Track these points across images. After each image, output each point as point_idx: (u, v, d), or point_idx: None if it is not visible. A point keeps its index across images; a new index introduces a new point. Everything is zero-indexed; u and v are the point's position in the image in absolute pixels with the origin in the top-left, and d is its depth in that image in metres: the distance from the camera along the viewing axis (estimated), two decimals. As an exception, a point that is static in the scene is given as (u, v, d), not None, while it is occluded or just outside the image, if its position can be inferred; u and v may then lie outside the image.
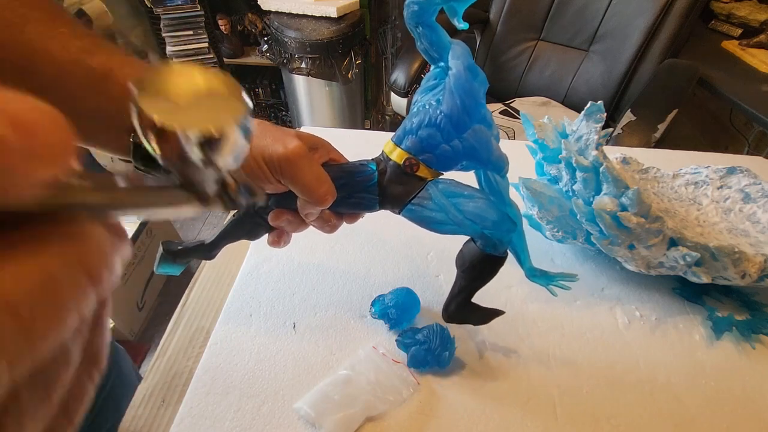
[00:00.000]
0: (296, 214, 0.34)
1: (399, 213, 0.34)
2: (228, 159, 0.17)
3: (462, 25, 0.31)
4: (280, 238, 0.37)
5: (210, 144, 0.16)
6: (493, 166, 0.33)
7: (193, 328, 0.46)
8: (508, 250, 0.34)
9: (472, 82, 0.30)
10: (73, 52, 0.27)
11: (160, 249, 0.36)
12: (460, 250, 0.36)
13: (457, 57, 0.31)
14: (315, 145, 0.34)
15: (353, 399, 0.37)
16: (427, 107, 0.32)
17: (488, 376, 0.40)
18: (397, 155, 0.32)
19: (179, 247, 0.37)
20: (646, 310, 0.46)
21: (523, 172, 0.50)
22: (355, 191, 0.33)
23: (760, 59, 1.18)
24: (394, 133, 0.33)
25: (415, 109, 0.33)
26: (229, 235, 0.37)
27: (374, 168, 0.33)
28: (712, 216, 0.51)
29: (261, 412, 0.38)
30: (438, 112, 0.31)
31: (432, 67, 0.34)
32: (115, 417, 0.38)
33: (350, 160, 0.36)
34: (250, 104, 0.18)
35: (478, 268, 0.34)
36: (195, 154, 0.16)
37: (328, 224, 0.36)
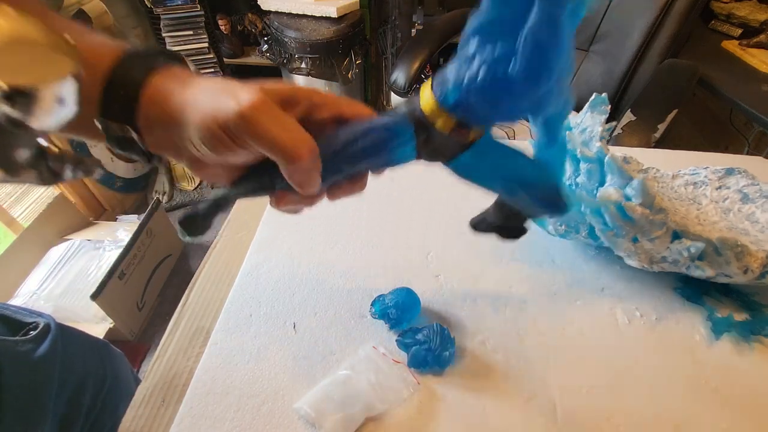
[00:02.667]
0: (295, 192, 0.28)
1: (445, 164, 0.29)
2: (45, 121, 0.15)
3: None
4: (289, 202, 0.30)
5: (19, 100, 0.13)
6: (558, 116, 0.27)
7: (193, 328, 0.46)
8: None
9: (563, 19, 0.21)
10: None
11: (179, 226, 0.31)
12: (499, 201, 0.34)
13: None
14: (291, 98, 0.27)
15: (353, 399, 0.37)
16: (494, 52, 0.23)
17: (488, 376, 0.40)
18: (444, 122, 0.26)
19: (198, 216, 0.31)
20: (647, 309, 0.46)
21: (523, 172, 0.51)
22: (381, 155, 0.28)
23: (760, 59, 1.18)
24: (432, 88, 0.26)
25: (472, 49, 0.24)
26: (239, 189, 0.30)
27: (410, 135, 0.27)
28: (712, 215, 0.51)
29: (261, 412, 0.38)
30: (512, 65, 0.23)
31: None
32: (112, 421, 0.38)
33: (364, 110, 0.29)
34: (77, 59, 0.15)
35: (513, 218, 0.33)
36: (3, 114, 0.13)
37: (342, 189, 0.30)
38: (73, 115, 0.16)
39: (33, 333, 0.43)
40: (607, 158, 0.41)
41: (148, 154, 0.28)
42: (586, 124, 0.46)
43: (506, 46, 0.23)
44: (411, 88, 1.15)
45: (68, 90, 0.14)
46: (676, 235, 0.42)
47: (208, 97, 0.25)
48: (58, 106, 0.15)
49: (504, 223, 0.35)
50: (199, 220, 0.31)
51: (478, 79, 0.23)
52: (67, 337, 0.47)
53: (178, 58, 0.28)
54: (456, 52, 0.25)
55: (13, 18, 0.13)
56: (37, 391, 0.41)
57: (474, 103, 0.24)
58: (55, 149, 0.19)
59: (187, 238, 0.32)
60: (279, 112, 0.25)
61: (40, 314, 0.46)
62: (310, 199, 0.30)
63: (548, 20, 0.21)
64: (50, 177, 0.19)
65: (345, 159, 0.28)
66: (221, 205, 0.31)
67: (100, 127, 0.26)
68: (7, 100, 0.13)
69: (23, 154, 0.16)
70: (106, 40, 0.27)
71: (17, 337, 0.42)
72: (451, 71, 0.25)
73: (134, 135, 0.26)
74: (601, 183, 0.43)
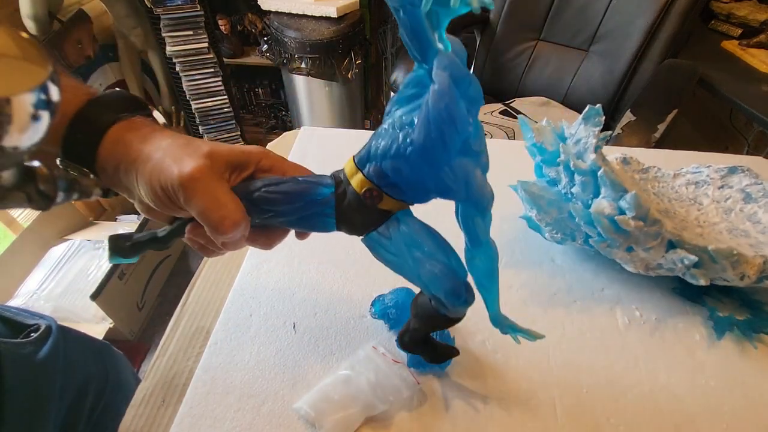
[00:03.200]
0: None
1: (361, 237, 0.30)
2: (19, 139, 0.13)
3: (442, 46, 0.23)
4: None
5: None
6: (472, 203, 0.27)
7: (193, 328, 0.46)
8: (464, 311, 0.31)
9: (457, 105, 0.23)
10: None
11: (106, 242, 0.33)
12: (416, 297, 0.34)
13: (443, 67, 0.23)
14: (240, 162, 0.29)
15: (353, 399, 0.37)
16: (397, 130, 0.25)
17: (488, 376, 0.40)
18: (358, 182, 0.27)
19: (129, 243, 0.33)
20: (646, 310, 0.46)
21: (523, 174, 0.50)
22: (307, 212, 0.29)
23: (760, 59, 1.18)
24: (358, 151, 0.28)
25: (385, 126, 0.27)
26: (179, 231, 0.33)
27: (330, 191, 0.28)
28: (713, 216, 0.51)
29: (261, 412, 0.38)
30: (408, 141, 0.25)
31: (415, 66, 0.26)
32: (114, 424, 0.38)
33: (307, 173, 0.32)
34: (50, 68, 0.14)
35: (431, 320, 0.32)
36: None
37: (256, 243, 0.33)
38: (45, 126, 0.15)
39: (34, 335, 0.43)
40: (600, 171, 0.41)
41: (105, 190, 0.29)
42: (580, 136, 0.46)
43: (410, 117, 0.25)
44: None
45: (42, 99, 0.13)
46: (672, 245, 0.42)
47: (158, 157, 0.27)
48: (32, 121, 0.13)
49: (423, 353, 0.37)
50: (128, 246, 0.33)
51: (383, 143, 0.26)
52: (69, 339, 0.47)
53: (142, 106, 0.30)
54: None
55: None
56: (38, 394, 0.41)
57: (381, 168, 0.26)
58: (45, 170, 0.18)
59: (110, 260, 0.33)
60: (215, 185, 0.27)
61: (41, 316, 0.46)
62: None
63: (439, 97, 0.23)
64: (41, 200, 0.18)
65: (267, 202, 0.29)
66: (159, 241, 0.33)
67: (60, 167, 0.26)
68: None
69: (6, 176, 0.15)
70: (75, 83, 0.29)
71: (19, 339, 0.42)
72: (368, 140, 0.28)
73: (93, 177, 0.27)
74: (596, 194, 0.43)
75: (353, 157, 0.28)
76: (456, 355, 0.38)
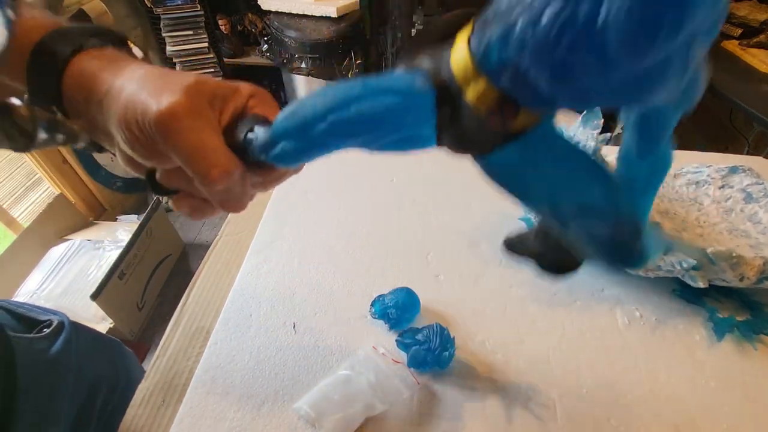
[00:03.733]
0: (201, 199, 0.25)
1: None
2: None
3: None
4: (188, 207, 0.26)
5: None
6: (669, 111, 0.18)
7: (193, 328, 0.46)
8: None
9: None
10: None
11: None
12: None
13: None
14: (224, 93, 0.24)
15: (353, 399, 0.37)
16: None
17: (488, 376, 0.40)
18: (480, 93, 0.17)
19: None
20: (646, 310, 0.46)
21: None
22: (383, 131, 0.19)
23: (760, 59, 1.18)
24: (472, 35, 0.17)
25: None
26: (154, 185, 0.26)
27: (428, 107, 0.18)
28: (713, 216, 0.51)
29: (261, 412, 0.38)
30: (607, 5, 0.13)
31: None
32: None
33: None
34: None
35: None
36: None
37: (260, 186, 0.27)
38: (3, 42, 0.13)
39: (47, 331, 0.42)
40: None
41: (93, 143, 0.26)
42: (579, 138, 0.46)
43: None
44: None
45: None
46: (671, 246, 0.42)
47: (132, 90, 0.22)
48: None
49: (548, 254, 0.26)
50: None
51: (542, 25, 0.14)
52: (81, 335, 0.47)
53: (119, 40, 0.26)
54: None
55: None
56: (52, 390, 0.41)
57: (531, 68, 0.15)
58: (23, 106, 0.16)
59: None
60: (199, 123, 0.22)
61: (54, 312, 0.45)
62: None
63: None
64: (20, 138, 0.16)
65: (330, 130, 0.20)
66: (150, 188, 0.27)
67: (25, 108, 0.22)
68: None
69: None
70: (43, 15, 0.25)
71: (32, 335, 0.41)
72: (501, 10, 0.15)
73: (60, 116, 0.24)
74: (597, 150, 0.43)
75: (468, 43, 0.17)
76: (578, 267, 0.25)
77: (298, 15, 1.44)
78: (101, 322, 1.22)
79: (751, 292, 0.47)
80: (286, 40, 1.39)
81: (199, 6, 1.35)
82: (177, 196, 0.26)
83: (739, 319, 0.44)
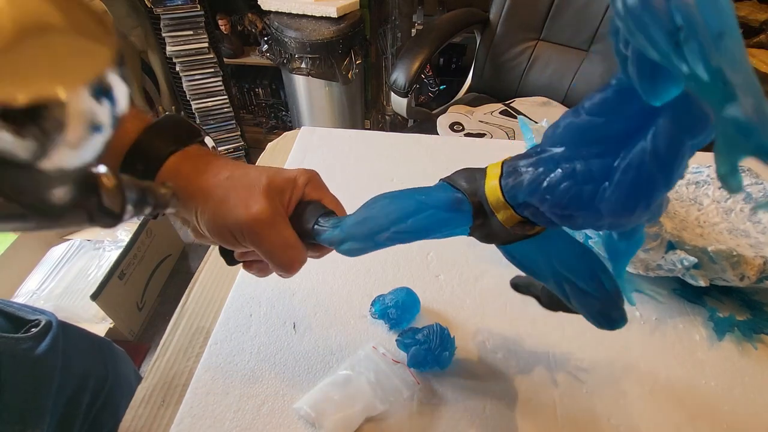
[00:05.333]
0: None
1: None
2: (65, 155, 0.09)
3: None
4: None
5: (29, 125, 0.08)
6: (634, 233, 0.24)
7: (193, 328, 0.46)
8: None
9: (684, 150, 0.17)
10: None
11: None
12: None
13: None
14: (287, 186, 0.29)
15: (353, 399, 0.37)
16: (580, 181, 0.20)
17: (488, 376, 0.40)
18: (507, 217, 0.24)
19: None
20: (646, 310, 0.46)
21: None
22: (431, 234, 0.26)
23: (760, 59, 1.18)
24: (502, 177, 0.23)
25: (558, 152, 0.21)
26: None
27: (469, 223, 0.25)
28: (713, 216, 0.51)
29: (261, 412, 0.38)
30: (603, 192, 0.19)
31: (616, 78, 0.18)
32: (113, 421, 0.38)
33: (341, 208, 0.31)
34: (116, 45, 0.09)
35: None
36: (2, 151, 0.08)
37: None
38: (109, 138, 0.11)
39: (34, 330, 0.43)
40: None
41: (176, 206, 0.28)
42: None
43: (600, 163, 0.19)
44: (411, 88, 1.15)
45: (109, 88, 0.09)
46: (671, 245, 0.42)
47: (220, 196, 0.27)
48: (90, 133, 0.09)
49: (551, 300, 0.33)
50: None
51: (558, 191, 0.21)
52: (69, 335, 0.47)
53: (195, 132, 0.30)
54: (539, 146, 0.22)
55: None
56: (36, 389, 0.41)
57: (546, 212, 0.22)
58: (111, 179, 0.14)
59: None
60: (280, 227, 0.28)
61: (42, 312, 0.46)
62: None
63: (666, 150, 0.17)
64: (105, 218, 0.15)
65: (391, 237, 0.27)
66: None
67: (112, 181, 0.25)
68: (8, 123, 0.08)
69: (61, 192, 0.11)
70: (134, 108, 0.29)
71: (18, 335, 0.42)
72: (527, 168, 0.22)
73: (168, 185, 0.27)
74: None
75: (499, 181, 0.23)
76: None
77: (298, 15, 1.44)
78: (101, 322, 1.22)
79: (752, 291, 0.47)
80: (286, 40, 1.39)
81: (199, 6, 1.34)
82: (247, 263, 0.32)
83: (739, 318, 0.44)
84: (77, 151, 0.09)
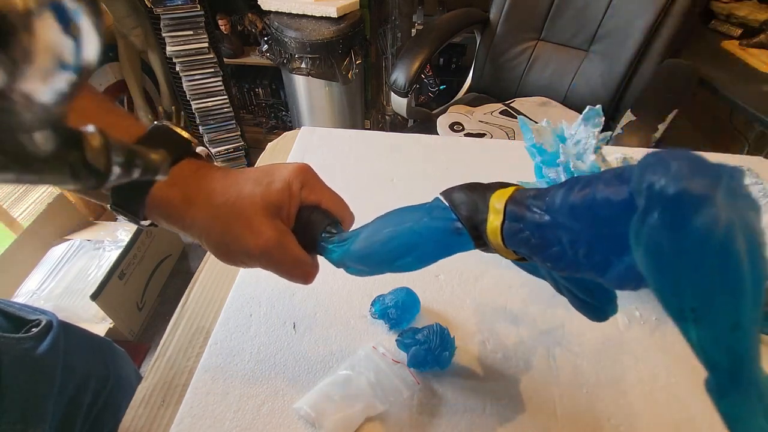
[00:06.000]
0: None
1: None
2: (39, 87, 0.10)
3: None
4: None
5: None
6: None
7: (193, 328, 0.46)
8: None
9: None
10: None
11: None
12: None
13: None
14: (284, 200, 0.30)
15: (353, 399, 0.37)
16: (581, 258, 0.21)
17: (488, 376, 0.40)
18: (503, 252, 0.25)
19: None
20: (646, 310, 0.46)
21: (523, 174, 0.51)
22: (435, 257, 0.28)
23: (760, 59, 1.18)
24: (505, 220, 0.24)
25: (557, 219, 0.21)
26: None
27: (470, 246, 0.26)
28: (713, 216, 0.51)
29: (261, 412, 0.38)
30: (593, 275, 0.21)
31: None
32: (114, 421, 0.38)
33: (341, 203, 0.32)
34: None
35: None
36: None
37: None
38: (75, 81, 0.11)
39: (35, 330, 0.43)
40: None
41: (167, 172, 0.28)
42: (580, 137, 0.45)
43: (602, 255, 0.20)
44: (411, 88, 1.15)
45: (66, 14, 0.09)
46: None
47: (220, 228, 0.28)
48: (56, 67, 0.10)
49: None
50: None
51: (558, 265, 0.22)
52: (70, 335, 0.47)
53: (185, 145, 0.29)
54: (549, 197, 0.22)
55: None
56: (37, 389, 0.41)
57: (539, 260, 0.23)
58: (98, 138, 0.14)
59: None
60: (288, 247, 0.29)
61: (43, 311, 0.46)
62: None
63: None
64: (90, 176, 0.14)
65: (395, 268, 0.29)
66: None
67: (98, 138, 0.24)
68: None
69: (40, 138, 0.11)
70: (121, 117, 0.29)
71: (19, 335, 0.42)
72: (531, 230, 0.23)
73: (138, 147, 0.26)
74: None
75: (501, 226, 0.24)
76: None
77: (298, 15, 1.44)
78: (101, 322, 1.22)
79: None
80: (286, 40, 1.39)
81: (199, 6, 1.34)
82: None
83: (739, 319, 0.44)
84: (45, 84, 0.10)
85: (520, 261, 0.26)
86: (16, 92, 0.09)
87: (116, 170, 0.15)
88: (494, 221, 0.24)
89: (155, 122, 0.29)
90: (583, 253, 0.20)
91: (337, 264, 0.30)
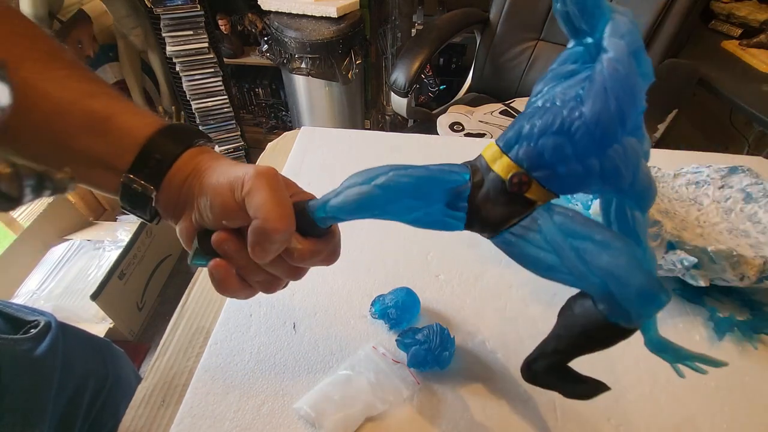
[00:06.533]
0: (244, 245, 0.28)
1: (490, 238, 0.26)
2: None
3: (623, 10, 0.22)
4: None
5: None
6: (635, 196, 0.24)
7: (193, 328, 0.46)
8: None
9: (636, 75, 0.21)
10: (71, 93, 0.28)
11: (196, 242, 0.30)
12: (568, 304, 0.27)
13: (620, 34, 0.21)
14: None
15: (353, 399, 0.37)
16: (559, 104, 0.22)
17: (488, 376, 0.40)
18: (503, 167, 0.24)
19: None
20: (647, 310, 0.46)
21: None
22: (432, 208, 0.26)
23: (760, 59, 1.18)
24: (501, 134, 0.25)
25: (539, 103, 0.24)
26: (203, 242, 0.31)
27: (467, 177, 0.25)
28: (713, 216, 0.51)
29: (261, 412, 0.38)
30: (576, 114, 0.21)
31: (571, 44, 0.24)
32: (113, 421, 0.38)
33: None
34: None
35: (592, 336, 0.26)
36: None
37: (319, 256, 0.31)
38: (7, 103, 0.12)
39: (33, 331, 0.43)
40: None
41: (153, 213, 0.31)
42: None
43: (569, 91, 0.22)
44: (411, 88, 1.15)
45: None
46: (671, 245, 0.42)
47: (228, 163, 0.29)
48: None
49: (558, 385, 0.30)
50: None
51: (539, 120, 0.23)
52: (68, 335, 0.47)
53: (206, 136, 0.33)
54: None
55: None
56: (36, 390, 0.41)
57: (537, 145, 0.23)
58: (7, 168, 0.15)
59: (193, 263, 0.31)
60: (281, 186, 0.28)
61: (41, 312, 0.46)
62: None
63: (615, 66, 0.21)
64: (5, 202, 0.16)
65: (389, 192, 0.27)
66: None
67: (123, 183, 0.28)
68: None
69: None
70: (132, 104, 0.31)
71: (18, 336, 0.42)
72: (518, 119, 0.25)
73: (153, 195, 0.29)
74: (596, 195, 0.43)
75: (494, 141, 0.25)
76: (607, 390, 0.31)
77: (298, 15, 1.44)
78: (101, 322, 1.22)
79: (751, 291, 0.47)
80: (286, 40, 1.39)
81: (199, 6, 1.34)
82: (216, 260, 0.29)
83: (739, 318, 0.44)
84: None
85: (519, 211, 0.25)
86: None
87: (28, 193, 0.16)
88: (488, 147, 0.26)
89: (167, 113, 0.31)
90: (555, 97, 0.23)
91: (324, 199, 0.28)
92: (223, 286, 0.29)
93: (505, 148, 0.24)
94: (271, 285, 0.31)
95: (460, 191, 0.25)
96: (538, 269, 0.24)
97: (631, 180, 0.23)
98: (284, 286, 0.33)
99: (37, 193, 0.18)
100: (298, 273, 0.32)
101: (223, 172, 0.28)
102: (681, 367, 0.29)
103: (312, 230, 0.29)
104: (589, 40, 0.23)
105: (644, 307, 0.23)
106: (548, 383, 0.30)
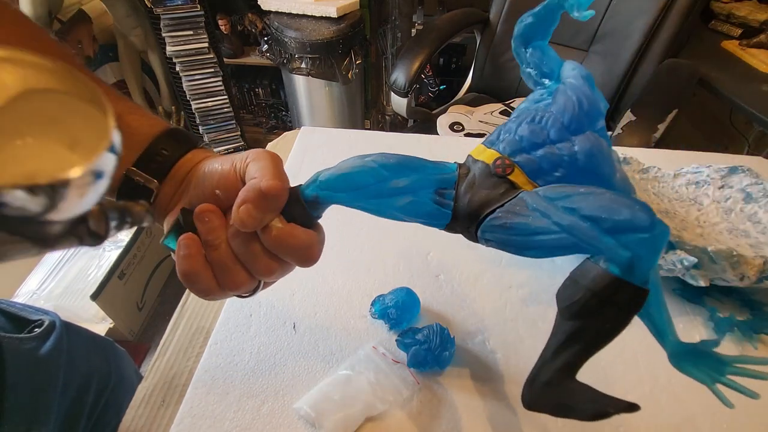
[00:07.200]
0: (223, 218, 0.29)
1: (475, 232, 0.26)
2: (75, 207, 0.12)
3: (586, 14, 0.32)
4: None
5: (40, 192, 0.10)
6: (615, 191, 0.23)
7: (193, 328, 0.46)
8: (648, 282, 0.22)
9: (589, 87, 0.27)
10: None
11: (179, 216, 0.30)
12: (564, 283, 0.25)
13: (572, 67, 0.29)
14: None
15: (353, 399, 0.37)
16: (533, 108, 0.29)
17: (488, 376, 0.40)
18: (487, 155, 0.28)
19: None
20: (647, 310, 0.46)
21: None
22: (420, 198, 0.27)
23: (760, 59, 1.18)
24: (484, 138, 0.30)
25: (514, 115, 0.30)
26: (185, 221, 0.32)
27: (454, 168, 0.28)
28: (713, 216, 0.51)
29: (261, 412, 0.38)
30: (547, 112, 0.27)
31: (537, 90, 0.33)
32: (116, 420, 0.38)
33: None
34: (111, 110, 0.11)
35: (598, 308, 0.22)
36: (16, 209, 0.10)
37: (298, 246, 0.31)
38: (110, 182, 0.13)
39: (38, 330, 0.43)
40: None
41: (151, 222, 0.30)
42: None
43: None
44: (411, 88, 1.15)
45: (108, 160, 0.11)
46: (671, 245, 0.42)
47: (229, 155, 0.30)
48: (93, 182, 0.11)
49: (568, 403, 0.26)
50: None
51: (518, 121, 0.28)
52: (72, 334, 0.47)
53: (201, 140, 0.34)
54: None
55: (23, 66, 0.09)
56: (41, 389, 0.41)
57: (515, 139, 0.27)
58: (95, 207, 0.16)
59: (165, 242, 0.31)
60: (282, 165, 0.29)
61: (45, 312, 0.46)
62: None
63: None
64: (93, 240, 0.17)
65: (386, 193, 0.28)
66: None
67: (124, 175, 0.29)
68: (28, 198, 0.09)
69: (59, 227, 0.13)
70: (138, 106, 0.32)
71: (22, 335, 0.42)
72: (498, 127, 0.30)
73: (155, 188, 0.30)
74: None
75: (480, 143, 0.30)
76: (636, 409, 0.26)
77: (298, 15, 1.44)
78: (101, 322, 1.22)
79: (751, 291, 0.47)
80: (286, 40, 1.39)
81: (199, 6, 1.34)
82: (190, 233, 0.29)
83: (739, 318, 0.44)
84: (82, 199, 0.11)
85: (505, 190, 0.27)
86: (55, 215, 0.11)
87: (112, 229, 0.18)
88: (477, 148, 0.30)
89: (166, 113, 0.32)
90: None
91: (319, 182, 0.28)
92: (187, 262, 0.28)
93: (488, 144, 0.28)
94: (236, 277, 0.29)
95: (447, 178, 0.27)
96: (528, 235, 0.23)
97: (608, 171, 0.26)
98: (247, 292, 0.31)
99: (119, 228, 0.19)
100: (267, 270, 0.30)
101: (225, 157, 0.30)
102: (721, 387, 0.25)
103: (299, 219, 0.29)
104: (548, 82, 0.32)
105: (643, 244, 0.21)
106: (554, 403, 0.26)
